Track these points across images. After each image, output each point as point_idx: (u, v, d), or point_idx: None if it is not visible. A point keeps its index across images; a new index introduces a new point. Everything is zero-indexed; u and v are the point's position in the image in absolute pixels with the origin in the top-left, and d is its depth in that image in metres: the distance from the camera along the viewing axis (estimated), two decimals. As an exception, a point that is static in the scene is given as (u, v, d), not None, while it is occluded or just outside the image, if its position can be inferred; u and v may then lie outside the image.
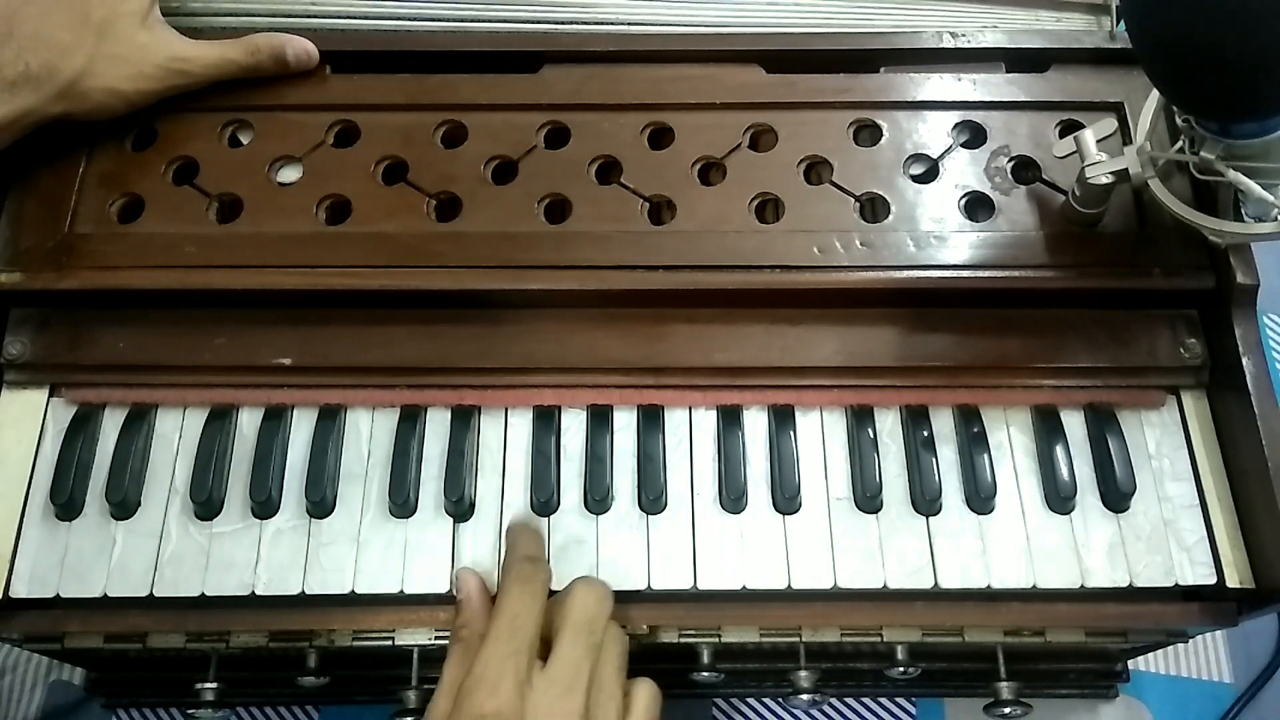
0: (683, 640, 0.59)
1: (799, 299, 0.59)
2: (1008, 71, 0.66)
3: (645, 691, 0.52)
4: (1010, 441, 0.59)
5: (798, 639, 0.60)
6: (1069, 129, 0.62)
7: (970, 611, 0.57)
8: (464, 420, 0.59)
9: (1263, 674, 0.77)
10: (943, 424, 0.59)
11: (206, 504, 0.57)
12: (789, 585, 0.55)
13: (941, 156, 0.63)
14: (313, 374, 0.59)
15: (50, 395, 0.60)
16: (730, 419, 0.59)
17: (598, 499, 0.57)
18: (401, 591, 0.55)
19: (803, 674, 0.60)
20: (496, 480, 0.58)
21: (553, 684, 0.49)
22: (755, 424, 0.59)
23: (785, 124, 0.64)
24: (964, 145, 0.63)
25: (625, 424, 0.59)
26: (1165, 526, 0.56)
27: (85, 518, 0.57)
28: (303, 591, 0.55)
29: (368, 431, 0.59)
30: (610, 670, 0.51)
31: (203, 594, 0.55)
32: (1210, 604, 0.56)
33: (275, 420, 0.59)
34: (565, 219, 0.61)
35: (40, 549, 0.56)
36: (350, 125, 0.64)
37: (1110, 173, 0.57)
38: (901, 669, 0.60)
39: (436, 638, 0.58)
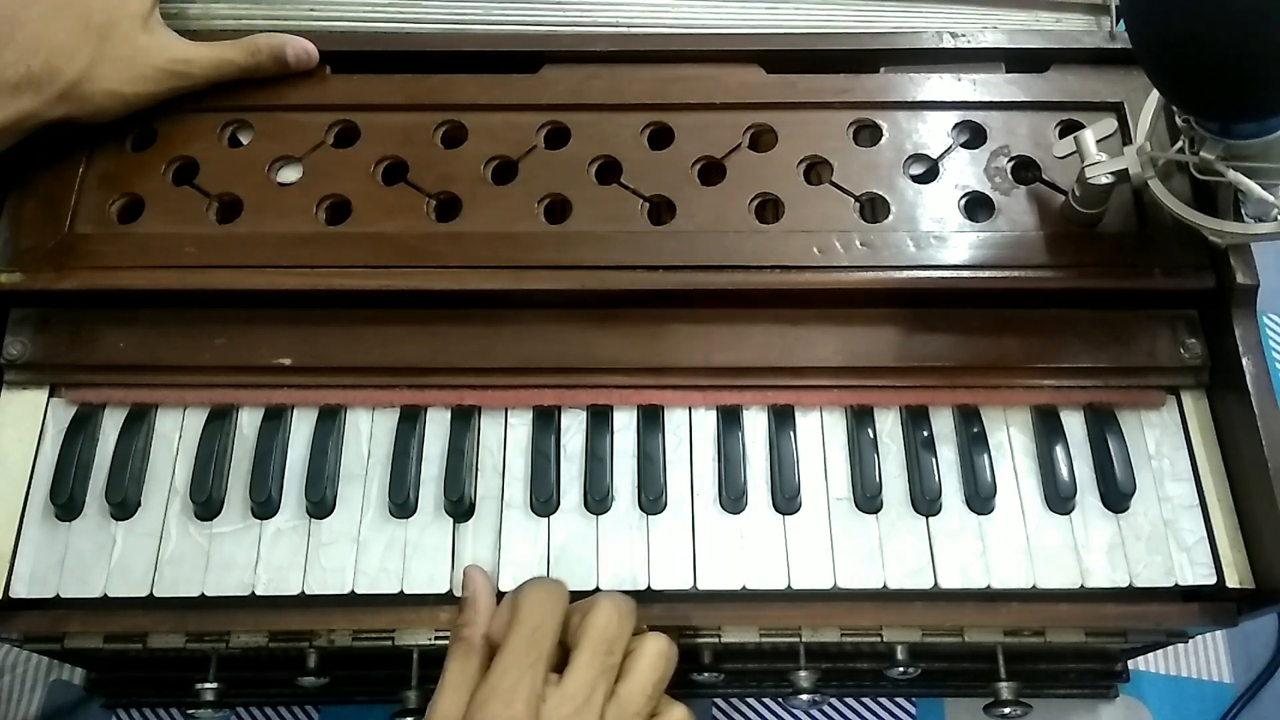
0: (683, 640, 0.59)
1: (799, 299, 0.59)
2: (1008, 71, 0.66)
3: (676, 716, 0.51)
4: (1010, 441, 0.59)
5: (798, 639, 0.60)
6: (1069, 129, 0.62)
7: (970, 611, 0.57)
8: (464, 420, 0.59)
9: (1263, 674, 0.77)
10: (943, 424, 0.59)
11: (206, 504, 0.57)
12: (789, 585, 0.55)
13: (941, 156, 0.63)
14: (313, 374, 0.59)
15: (50, 395, 0.60)
16: (730, 419, 0.59)
17: (598, 499, 0.57)
18: (401, 592, 0.55)
19: (803, 674, 0.60)
20: (496, 480, 0.58)
21: (566, 700, 0.48)
22: (755, 424, 0.59)
23: (785, 124, 0.64)
24: (964, 145, 0.63)
25: (625, 424, 0.59)
26: (1165, 526, 0.56)
27: (85, 518, 0.57)
28: (303, 591, 0.55)
29: (368, 431, 0.59)
30: (638, 690, 0.49)
31: (203, 594, 0.55)
32: (1210, 604, 0.56)
33: (275, 420, 0.59)
34: (565, 219, 0.61)
35: (40, 549, 0.56)
36: (350, 125, 0.64)
37: (1110, 173, 0.57)
38: (901, 669, 0.60)
39: (436, 638, 0.58)
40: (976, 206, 0.62)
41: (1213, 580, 0.55)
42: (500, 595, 0.53)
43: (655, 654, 0.50)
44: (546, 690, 0.48)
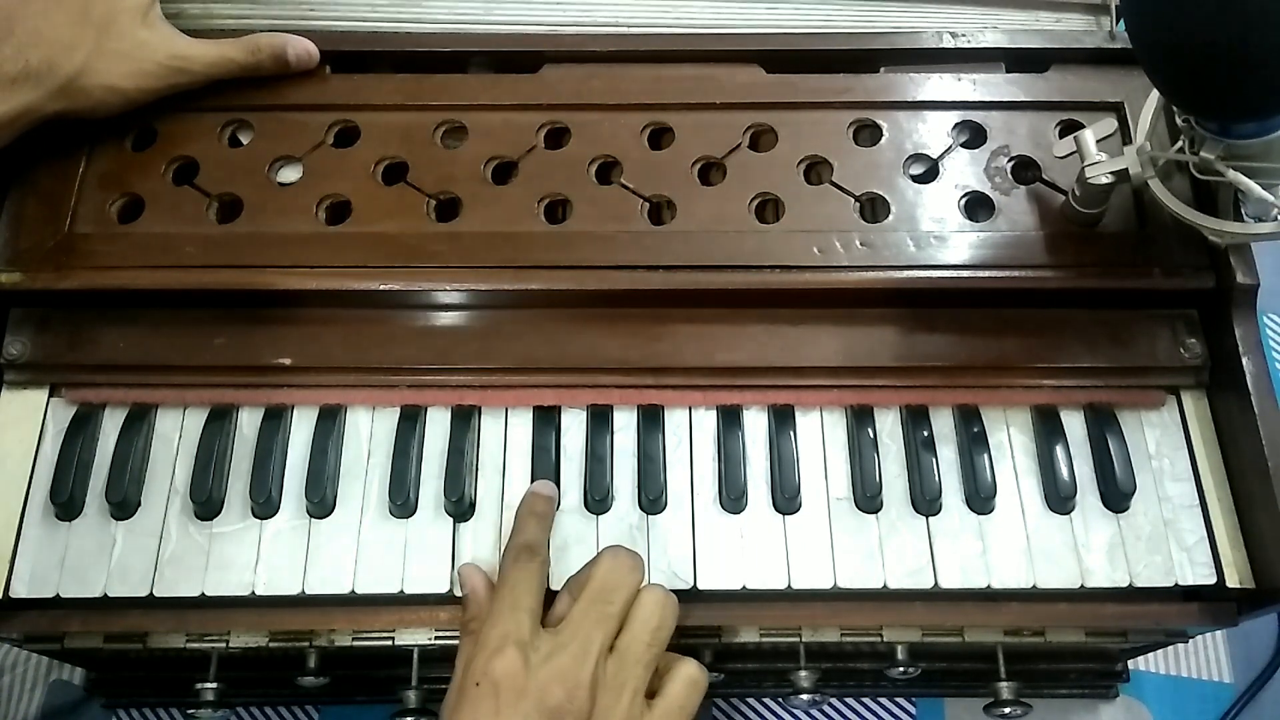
0: (683, 640, 0.59)
1: (799, 299, 0.59)
2: (1008, 71, 0.66)
3: (684, 672, 0.52)
4: (1010, 441, 0.59)
5: (798, 639, 0.59)
6: (1069, 129, 0.62)
7: (970, 611, 0.57)
8: (464, 420, 0.59)
9: (1263, 674, 0.77)
10: (943, 424, 0.59)
11: (206, 504, 0.57)
12: (789, 585, 0.55)
13: (941, 156, 0.63)
14: (313, 374, 0.59)
15: (50, 395, 0.60)
16: (730, 419, 0.59)
17: (598, 499, 0.57)
18: (401, 591, 0.55)
19: (803, 674, 0.60)
20: (496, 480, 0.58)
21: (559, 648, 0.49)
22: (755, 424, 0.59)
23: (785, 124, 0.64)
24: (964, 145, 0.63)
25: (625, 424, 0.59)
26: (1165, 526, 0.56)
27: (85, 518, 0.57)
28: (303, 591, 0.55)
29: (368, 431, 0.59)
30: (634, 639, 0.50)
31: (203, 594, 0.55)
32: (1210, 604, 0.56)
33: (275, 420, 0.59)
34: (565, 219, 0.61)
35: (40, 549, 0.56)
36: (350, 125, 0.64)
37: (1110, 173, 0.57)
38: (901, 669, 0.60)
39: (436, 638, 0.58)
40: (976, 206, 0.62)
41: (1213, 580, 0.55)
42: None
43: (652, 602, 0.51)
44: (538, 640, 0.49)
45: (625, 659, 0.50)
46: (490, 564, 0.56)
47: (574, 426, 0.59)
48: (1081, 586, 0.55)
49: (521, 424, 0.59)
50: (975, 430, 0.58)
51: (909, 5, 0.69)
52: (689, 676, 0.52)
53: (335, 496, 0.57)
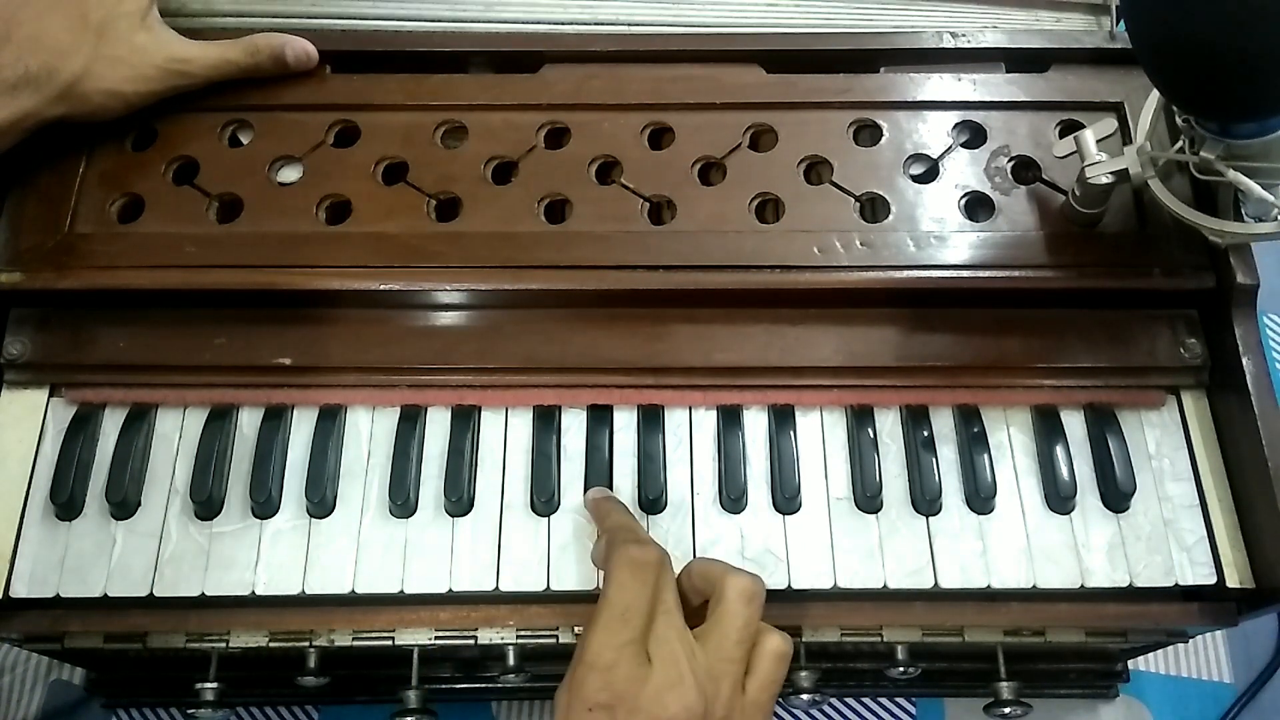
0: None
1: (799, 299, 0.59)
2: (1008, 71, 0.66)
3: (769, 648, 0.50)
4: (1010, 441, 0.59)
5: (798, 639, 0.59)
6: (1069, 129, 0.62)
7: (970, 611, 0.57)
8: (464, 420, 0.59)
9: (1263, 674, 0.77)
10: (943, 424, 0.59)
11: (206, 504, 0.57)
12: (789, 585, 0.55)
13: (941, 156, 0.63)
14: (313, 374, 0.59)
15: (50, 395, 0.60)
16: (730, 419, 0.59)
17: (598, 499, 0.57)
18: (401, 591, 0.55)
19: (803, 674, 0.60)
20: (497, 480, 0.58)
21: (657, 672, 0.47)
22: (755, 424, 0.59)
23: (785, 124, 0.64)
24: (964, 145, 0.63)
25: (625, 424, 0.59)
26: (1165, 526, 0.57)
27: (85, 518, 0.57)
28: (303, 591, 0.55)
29: (368, 431, 0.59)
30: (728, 641, 0.49)
31: (203, 594, 0.55)
32: (1210, 604, 0.56)
33: (275, 420, 0.59)
34: (565, 219, 0.61)
35: (40, 549, 0.56)
36: (350, 125, 0.64)
37: (1110, 173, 0.57)
38: (901, 669, 0.60)
39: (436, 638, 0.58)
40: (976, 206, 0.62)
41: (1213, 580, 0.55)
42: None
43: (736, 599, 0.50)
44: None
45: (718, 655, 0.49)
46: (490, 564, 0.56)
47: (574, 426, 0.59)
48: (1081, 586, 0.55)
49: (521, 424, 0.59)
50: (975, 430, 0.58)
51: (909, 5, 0.69)
52: (774, 651, 0.50)
53: (335, 496, 0.57)
